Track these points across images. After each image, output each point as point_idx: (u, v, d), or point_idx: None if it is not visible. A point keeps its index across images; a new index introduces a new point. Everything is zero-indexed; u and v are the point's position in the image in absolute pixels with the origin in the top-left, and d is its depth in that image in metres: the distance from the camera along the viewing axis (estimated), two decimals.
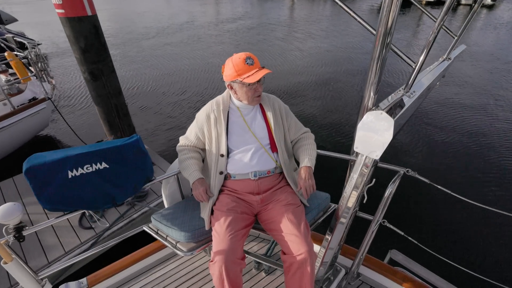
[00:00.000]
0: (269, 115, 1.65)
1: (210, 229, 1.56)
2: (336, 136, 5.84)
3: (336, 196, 1.90)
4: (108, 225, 3.32)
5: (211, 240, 1.57)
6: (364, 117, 1.13)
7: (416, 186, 4.28)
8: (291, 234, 1.43)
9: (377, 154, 1.19)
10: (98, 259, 3.19)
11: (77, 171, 1.42)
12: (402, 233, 1.73)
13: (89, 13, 2.91)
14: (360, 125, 1.15)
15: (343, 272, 1.88)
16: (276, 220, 1.51)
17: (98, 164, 1.46)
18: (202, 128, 1.67)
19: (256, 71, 1.47)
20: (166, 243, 1.63)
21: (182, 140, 1.76)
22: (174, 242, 1.60)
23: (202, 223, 1.59)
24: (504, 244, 3.61)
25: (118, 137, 3.62)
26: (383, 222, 1.70)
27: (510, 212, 1.50)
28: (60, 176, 1.40)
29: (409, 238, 1.74)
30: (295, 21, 17.79)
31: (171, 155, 5.22)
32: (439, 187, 1.55)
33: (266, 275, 1.95)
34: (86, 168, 1.44)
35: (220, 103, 1.66)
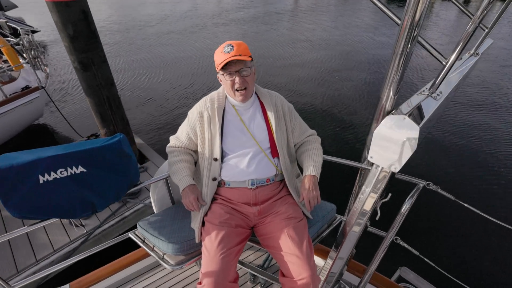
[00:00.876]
0: (270, 114, 1.47)
1: (201, 242, 1.39)
2: (344, 139, 5.37)
3: (341, 205, 1.73)
4: (99, 222, 3.17)
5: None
6: (383, 122, 0.97)
7: (435, 200, 3.79)
8: (291, 255, 1.26)
9: (396, 167, 1.02)
10: (83, 260, 3.06)
11: (49, 175, 1.25)
12: (418, 253, 1.57)
13: None
14: (377, 132, 0.99)
15: None
16: (274, 236, 1.34)
17: (74, 168, 1.29)
18: (194, 127, 1.49)
19: (228, 58, 1.29)
20: (152, 254, 1.47)
21: (173, 140, 1.58)
22: (161, 254, 1.45)
23: (192, 234, 1.43)
24: None
25: (111, 130, 3.44)
26: (396, 239, 1.53)
27: None
28: (30, 181, 1.23)
29: (425, 259, 1.58)
30: (302, 10, 17.21)
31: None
32: (465, 205, 1.37)
33: None
34: (60, 172, 1.27)
35: (214, 100, 1.47)
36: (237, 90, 1.37)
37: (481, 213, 1.41)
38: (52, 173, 1.25)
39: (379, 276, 1.78)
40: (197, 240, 1.40)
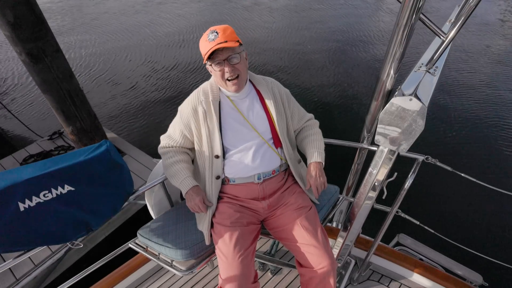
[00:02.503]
0: (269, 103, 1.38)
1: (211, 243, 1.33)
2: (338, 120, 5.16)
3: (338, 182, 1.74)
4: None
5: (213, 253, 1.37)
6: (388, 105, 0.95)
7: (431, 173, 3.77)
8: (309, 245, 1.25)
9: (404, 148, 1.03)
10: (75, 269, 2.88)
11: (31, 200, 1.08)
12: (418, 222, 1.65)
13: None
14: (382, 114, 0.98)
15: (353, 263, 1.79)
16: (287, 228, 1.31)
17: (60, 188, 1.12)
18: (188, 124, 1.36)
19: (213, 47, 1.17)
20: (159, 262, 1.39)
21: (165, 140, 1.44)
22: (169, 261, 1.37)
23: (200, 236, 1.36)
24: None
25: (78, 127, 3.11)
26: (397, 212, 1.59)
27: None
28: (8, 210, 1.06)
29: (425, 227, 1.67)
30: None
31: (145, 140, 4.69)
32: (462, 174, 1.44)
33: (273, 276, 1.81)
34: (44, 195, 1.10)
35: (208, 92, 1.34)
36: (228, 79, 1.25)
37: (476, 181, 1.50)
38: (34, 197, 1.08)
39: (380, 245, 1.87)
40: (207, 243, 1.33)
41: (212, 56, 1.21)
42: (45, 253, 2.78)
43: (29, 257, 2.69)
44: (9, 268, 2.66)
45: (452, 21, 1.53)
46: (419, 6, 1.03)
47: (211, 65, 1.24)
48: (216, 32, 1.19)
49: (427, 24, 1.08)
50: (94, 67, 7.14)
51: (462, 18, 0.94)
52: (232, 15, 10.25)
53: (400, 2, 1.07)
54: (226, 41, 1.17)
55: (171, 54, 7.65)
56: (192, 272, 1.34)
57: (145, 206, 1.64)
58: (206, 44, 1.20)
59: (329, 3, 11.18)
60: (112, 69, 7.02)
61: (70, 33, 9.09)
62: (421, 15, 1.05)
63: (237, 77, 1.26)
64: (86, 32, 9.13)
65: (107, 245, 3.24)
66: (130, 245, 1.51)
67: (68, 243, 1.29)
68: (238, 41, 1.22)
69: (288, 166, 1.42)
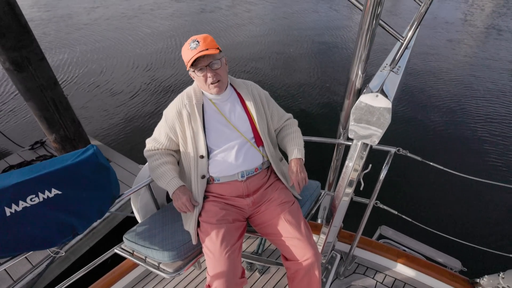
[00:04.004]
0: (249, 104, 1.45)
1: (198, 243, 1.36)
2: (316, 118, 5.41)
3: (321, 179, 1.81)
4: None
5: (201, 253, 1.40)
6: (358, 102, 1.04)
7: (404, 165, 3.93)
8: (292, 238, 1.30)
9: (374, 140, 1.11)
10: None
11: (17, 205, 1.09)
12: (396, 212, 1.73)
13: None
14: (353, 111, 1.06)
15: (338, 257, 1.85)
16: (272, 223, 1.36)
17: (47, 192, 1.13)
18: (173, 127, 1.41)
19: (195, 54, 1.26)
20: (146, 266, 1.40)
21: (150, 143, 1.48)
22: (156, 264, 1.38)
23: (187, 237, 1.38)
24: (499, 213, 3.62)
25: (61, 135, 3.07)
26: (376, 203, 1.67)
27: (496, 182, 1.55)
28: None
29: (403, 216, 1.75)
30: None
31: (130, 147, 4.66)
32: (431, 163, 1.53)
33: (261, 275, 1.84)
34: (30, 199, 1.11)
35: (192, 96, 1.40)
36: (210, 83, 1.33)
37: (444, 168, 1.60)
38: (21, 202, 1.09)
39: (364, 239, 1.92)
40: (194, 242, 1.36)
41: (194, 63, 1.28)
42: (25, 267, 2.70)
43: (7, 272, 2.63)
44: None
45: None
46: (378, 13, 1.14)
47: (194, 71, 1.32)
48: (197, 41, 1.27)
49: (386, 29, 1.18)
50: (80, 74, 7.08)
51: (416, 23, 1.06)
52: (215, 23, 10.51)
53: (361, 10, 1.17)
54: (207, 49, 1.26)
55: (160, 60, 7.70)
56: (179, 274, 1.35)
57: (129, 217, 1.62)
58: (189, 52, 1.28)
59: (307, 11, 11.72)
60: (98, 76, 6.99)
61: (58, 40, 9.03)
62: (381, 21, 1.16)
63: (219, 81, 1.34)
64: (73, 40, 9.09)
65: (91, 256, 3.18)
66: (116, 251, 1.50)
67: (51, 252, 1.29)
68: (218, 48, 1.30)
69: (270, 163, 1.48)
